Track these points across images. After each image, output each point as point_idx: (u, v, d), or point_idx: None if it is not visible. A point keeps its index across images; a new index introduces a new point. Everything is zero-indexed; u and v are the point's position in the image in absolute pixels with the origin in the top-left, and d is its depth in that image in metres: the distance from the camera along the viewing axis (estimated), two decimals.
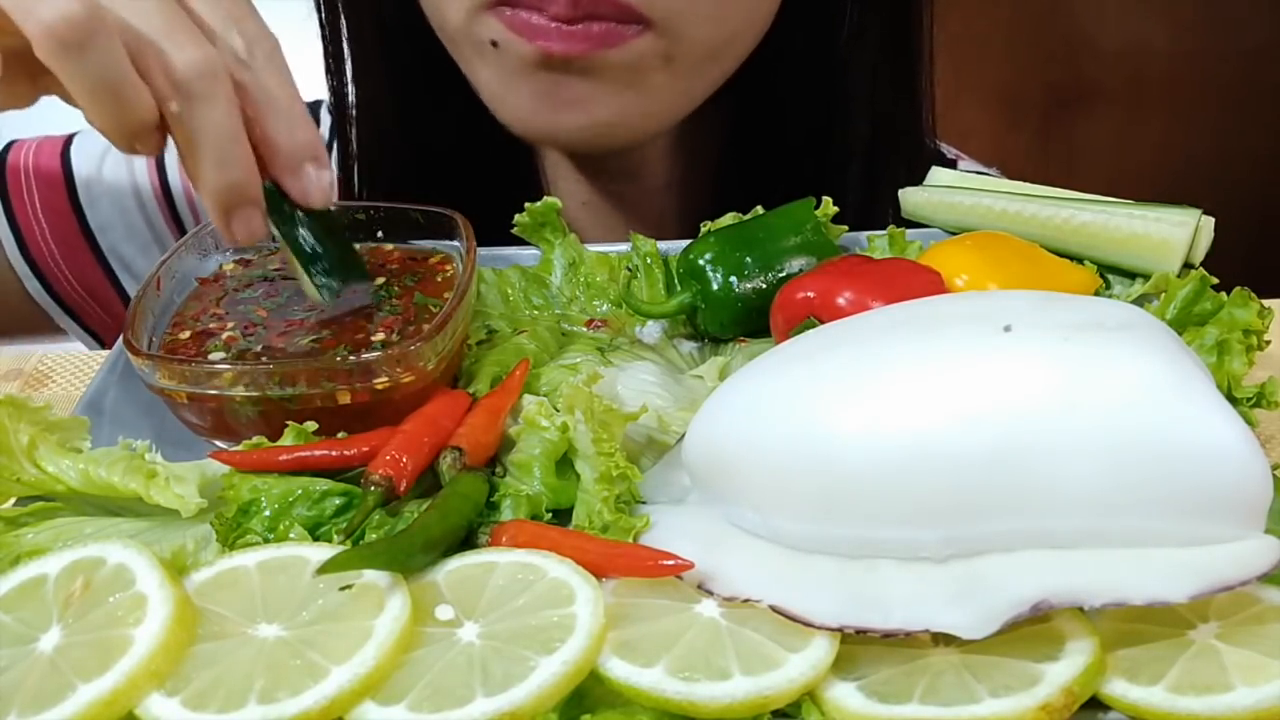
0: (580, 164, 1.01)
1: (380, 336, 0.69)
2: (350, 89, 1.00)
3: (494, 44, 0.83)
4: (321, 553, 0.54)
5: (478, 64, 0.87)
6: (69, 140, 1.09)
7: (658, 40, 0.81)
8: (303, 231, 0.68)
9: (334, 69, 0.99)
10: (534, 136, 0.92)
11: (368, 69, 0.98)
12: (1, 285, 1.08)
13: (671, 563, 0.53)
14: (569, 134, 0.87)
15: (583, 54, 0.80)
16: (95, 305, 1.10)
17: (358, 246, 0.79)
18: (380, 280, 0.75)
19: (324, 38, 0.98)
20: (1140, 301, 0.75)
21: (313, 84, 1.02)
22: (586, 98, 0.83)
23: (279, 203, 0.66)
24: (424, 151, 1.00)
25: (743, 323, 0.78)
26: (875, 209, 0.93)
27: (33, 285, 1.09)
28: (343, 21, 0.97)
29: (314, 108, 1.13)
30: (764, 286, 0.77)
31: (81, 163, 1.08)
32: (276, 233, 0.67)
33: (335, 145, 1.06)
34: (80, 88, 0.58)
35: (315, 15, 0.97)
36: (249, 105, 0.62)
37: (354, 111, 1.01)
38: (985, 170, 1.10)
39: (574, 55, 0.80)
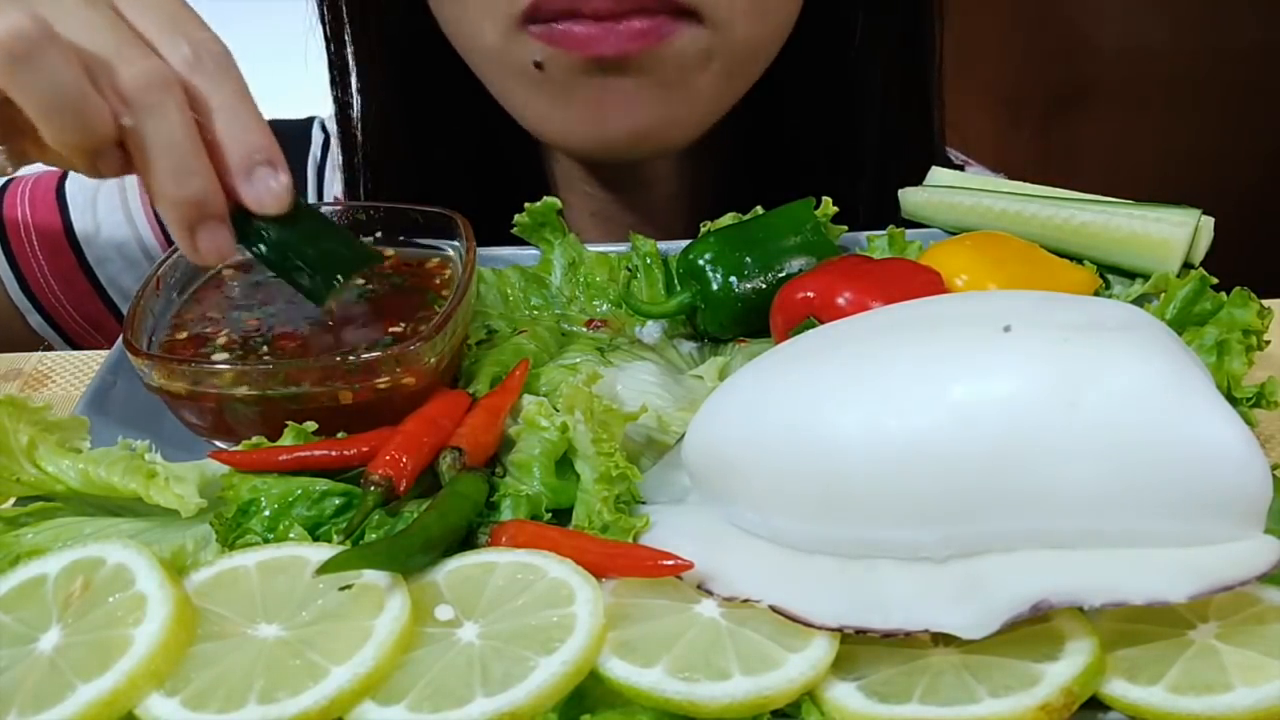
0: (593, 176, 1.01)
1: (393, 331, 0.69)
2: (355, 100, 1.00)
3: (538, 65, 0.82)
4: (321, 553, 0.54)
5: (518, 89, 0.86)
6: (63, 176, 1.10)
7: (702, 33, 0.81)
8: (274, 244, 0.64)
9: (339, 81, 0.99)
10: (579, 149, 0.92)
11: (375, 81, 0.98)
12: (3, 318, 1.09)
13: (671, 563, 0.53)
14: (615, 141, 0.87)
15: (636, 52, 0.80)
16: (99, 336, 1.11)
17: None
18: (370, 287, 0.75)
19: (329, 50, 0.98)
20: (1140, 301, 0.75)
21: (316, 96, 1.03)
22: (633, 101, 0.83)
23: (244, 221, 0.63)
24: (432, 162, 1.00)
25: (743, 323, 0.78)
26: (876, 210, 0.93)
27: (35, 320, 1.10)
28: (348, 33, 0.97)
29: (305, 125, 1.13)
30: (764, 286, 0.77)
31: (76, 198, 1.09)
32: (249, 253, 0.65)
33: (341, 157, 1.06)
34: (35, 103, 0.56)
35: (319, 28, 0.97)
36: (200, 113, 0.60)
37: (359, 123, 1.00)
38: (992, 176, 1.10)
39: (628, 53, 0.80)
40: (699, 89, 0.85)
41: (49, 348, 1.09)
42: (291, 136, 1.12)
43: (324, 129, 1.14)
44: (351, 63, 0.98)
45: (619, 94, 0.83)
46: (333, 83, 1.00)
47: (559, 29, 0.79)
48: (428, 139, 0.99)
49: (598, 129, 0.86)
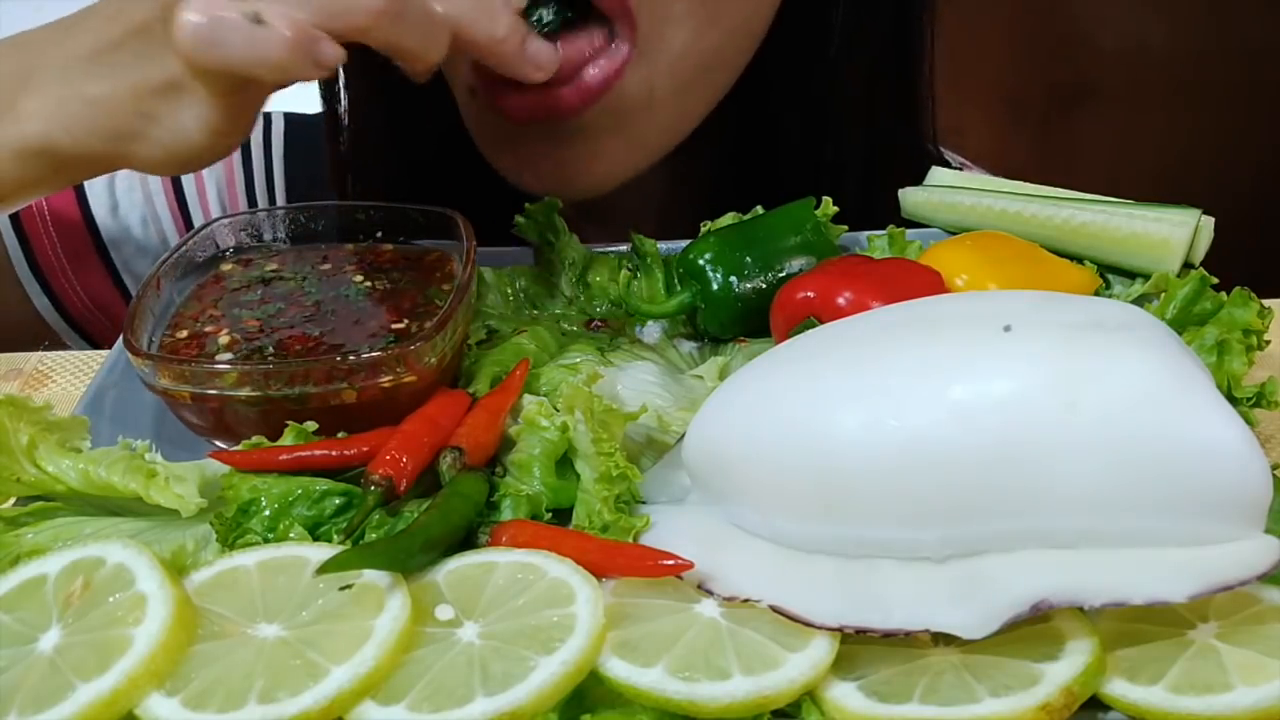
0: None
1: (395, 328, 0.70)
2: (342, 100, 0.99)
3: (473, 91, 0.82)
4: (321, 553, 0.54)
5: (467, 108, 0.86)
6: None
7: (641, 66, 0.79)
8: None
9: (326, 85, 0.99)
10: (526, 190, 0.89)
11: (359, 85, 0.98)
12: (6, 302, 1.08)
13: (671, 563, 0.53)
14: (556, 190, 0.85)
15: (575, 111, 0.78)
16: (105, 319, 1.10)
17: (352, 246, 0.80)
18: (369, 283, 0.75)
19: None
20: (1140, 301, 0.75)
21: (308, 96, 1.02)
22: (568, 157, 0.82)
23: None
24: (419, 166, 0.99)
25: (743, 323, 0.78)
26: (875, 210, 0.93)
27: (41, 303, 1.09)
28: None
29: (316, 119, 1.13)
30: (764, 286, 0.77)
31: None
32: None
33: (330, 160, 1.06)
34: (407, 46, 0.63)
35: None
36: None
37: (346, 121, 1.00)
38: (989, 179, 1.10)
39: (567, 115, 0.78)
40: (641, 129, 0.83)
41: (48, 346, 1.09)
42: (318, 129, 1.13)
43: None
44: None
45: (549, 153, 0.82)
46: (321, 87, 0.99)
47: (481, 83, 0.79)
48: (413, 143, 0.99)
49: (532, 178, 0.85)
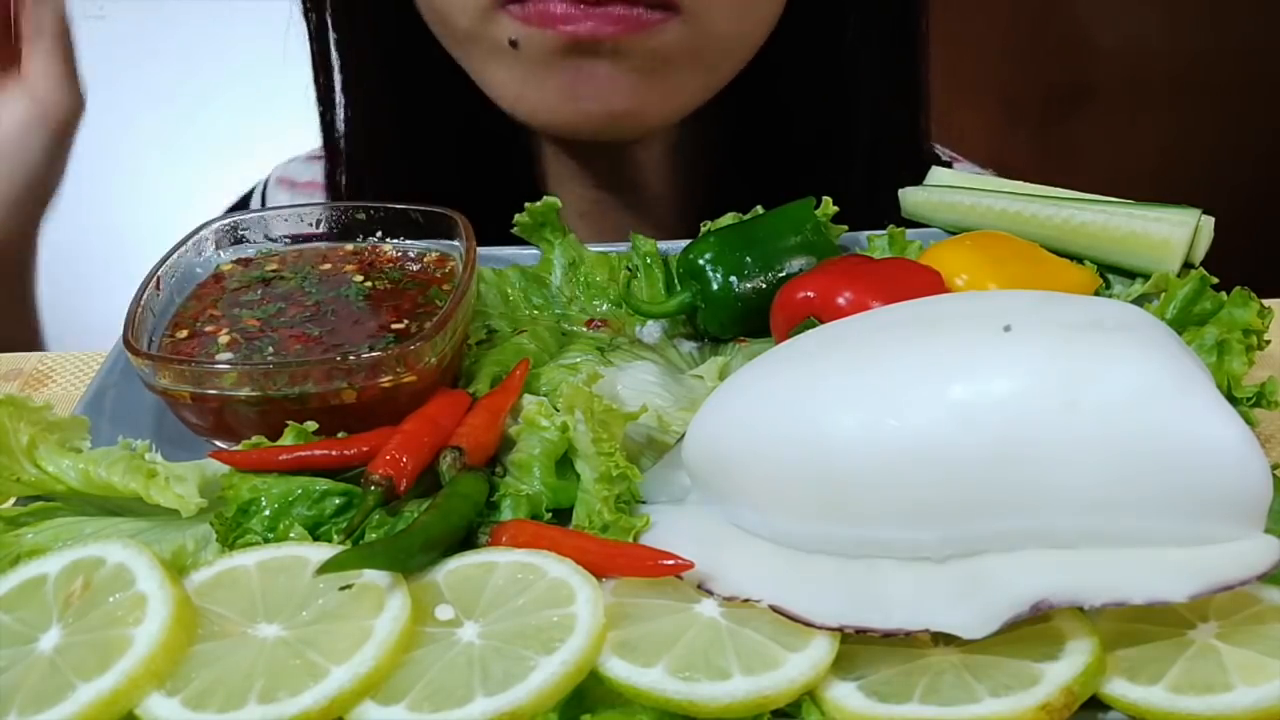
0: (583, 174, 1.00)
1: (395, 328, 0.70)
2: (339, 100, 0.99)
3: (513, 44, 0.82)
4: (321, 553, 0.54)
5: (492, 66, 0.86)
6: None
7: (684, 29, 0.81)
8: None
9: (323, 81, 0.99)
10: (553, 126, 0.90)
11: (360, 77, 0.98)
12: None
13: (671, 563, 0.53)
14: (590, 120, 0.86)
15: (611, 36, 0.79)
16: None
17: (352, 246, 0.80)
18: (370, 283, 0.75)
19: (312, 49, 0.97)
20: (1140, 301, 0.75)
21: (298, 105, 1.02)
22: (609, 84, 0.82)
23: None
24: (420, 162, 0.99)
25: (743, 323, 0.78)
26: (875, 210, 0.93)
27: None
28: (331, 39, 0.96)
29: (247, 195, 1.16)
30: (764, 286, 0.77)
31: None
32: None
33: (325, 163, 1.06)
34: None
35: (292, 36, 0.97)
36: None
37: (345, 124, 1.00)
38: (981, 172, 1.10)
39: (602, 38, 0.79)
40: (675, 80, 0.85)
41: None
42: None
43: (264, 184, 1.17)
44: (335, 62, 0.97)
45: (594, 76, 0.82)
46: (316, 83, 0.99)
47: (535, 8, 0.79)
48: (415, 136, 0.99)
49: (573, 106, 0.85)
